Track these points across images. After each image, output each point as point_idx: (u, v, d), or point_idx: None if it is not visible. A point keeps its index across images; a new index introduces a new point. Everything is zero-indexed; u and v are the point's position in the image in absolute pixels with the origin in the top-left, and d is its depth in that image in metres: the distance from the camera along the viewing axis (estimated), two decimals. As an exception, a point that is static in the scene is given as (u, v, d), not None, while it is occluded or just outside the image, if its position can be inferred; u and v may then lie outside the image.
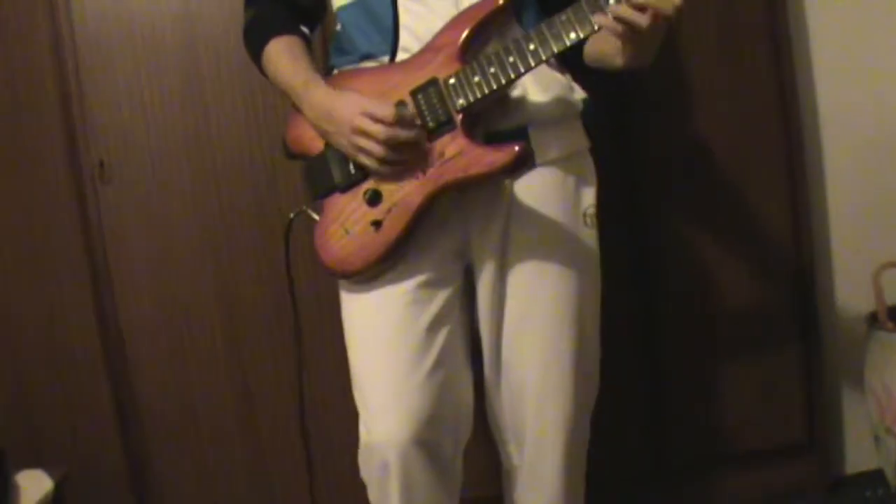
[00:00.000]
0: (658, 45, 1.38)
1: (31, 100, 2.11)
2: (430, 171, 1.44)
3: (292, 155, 1.61)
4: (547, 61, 1.40)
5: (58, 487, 2.02)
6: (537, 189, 1.53)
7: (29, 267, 2.15)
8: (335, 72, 1.60)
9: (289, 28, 1.60)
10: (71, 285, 2.15)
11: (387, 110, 1.42)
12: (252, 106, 2.13)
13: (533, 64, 1.39)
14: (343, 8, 1.57)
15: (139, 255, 2.16)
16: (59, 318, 2.17)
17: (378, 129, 1.41)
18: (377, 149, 1.43)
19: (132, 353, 2.19)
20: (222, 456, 2.23)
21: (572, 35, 1.36)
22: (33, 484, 2.00)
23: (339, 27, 1.61)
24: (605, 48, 1.44)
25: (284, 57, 1.56)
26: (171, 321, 2.18)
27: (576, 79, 1.59)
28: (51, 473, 2.03)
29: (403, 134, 1.42)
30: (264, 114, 2.13)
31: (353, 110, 1.44)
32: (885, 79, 2.29)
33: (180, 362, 2.19)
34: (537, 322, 1.55)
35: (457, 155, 1.43)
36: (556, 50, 1.37)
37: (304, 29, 1.63)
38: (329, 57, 1.65)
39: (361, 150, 1.44)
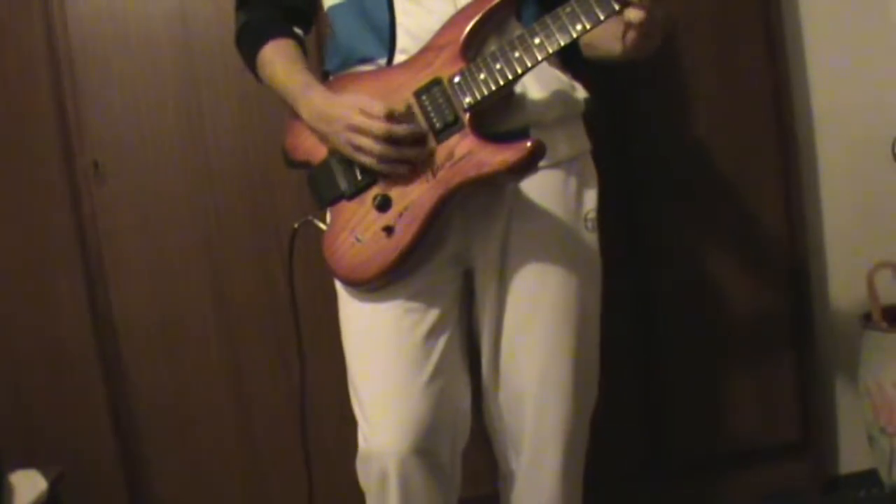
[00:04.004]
0: (661, 35, 1.38)
1: (26, 100, 2.10)
2: (441, 173, 1.41)
3: (293, 163, 1.58)
4: (553, 55, 1.38)
5: (52, 488, 2.01)
6: (538, 192, 1.51)
7: (23, 267, 2.14)
8: (331, 77, 1.57)
9: (282, 31, 1.58)
10: (66, 286, 2.14)
11: (378, 106, 1.40)
12: (247, 106, 2.12)
13: (539, 58, 1.37)
14: (335, 7, 1.55)
15: (134, 256, 2.15)
16: (54, 319, 2.15)
17: (374, 125, 1.39)
18: (374, 146, 1.40)
19: (127, 354, 2.17)
20: (218, 458, 2.22)
21: (578, 27, 1.34)
22: (27, 484, 1.98)
23: (330, 28, 1.59)
24: (603, 34, 1.43)
25: (280, 61, 1.54)
26: (166, 322, 2.17)
27: (577, 77, 1.57)
28: (45, 474, 2.01)
29: (401, 129, 1.40)
30: (259, 114, 2.12)
31: (348, 108, 1.42)
32: (878, 79, 2.30)
33: (176, 363, 2.18)
34: (537, 327, 1.53)
35: (467, 154, 1.40)
36: (562, 43, 1.35)
37: (298, 31, 1.61)
38: (323, 62, 1.63)
39: (359, 148, 1.42)
